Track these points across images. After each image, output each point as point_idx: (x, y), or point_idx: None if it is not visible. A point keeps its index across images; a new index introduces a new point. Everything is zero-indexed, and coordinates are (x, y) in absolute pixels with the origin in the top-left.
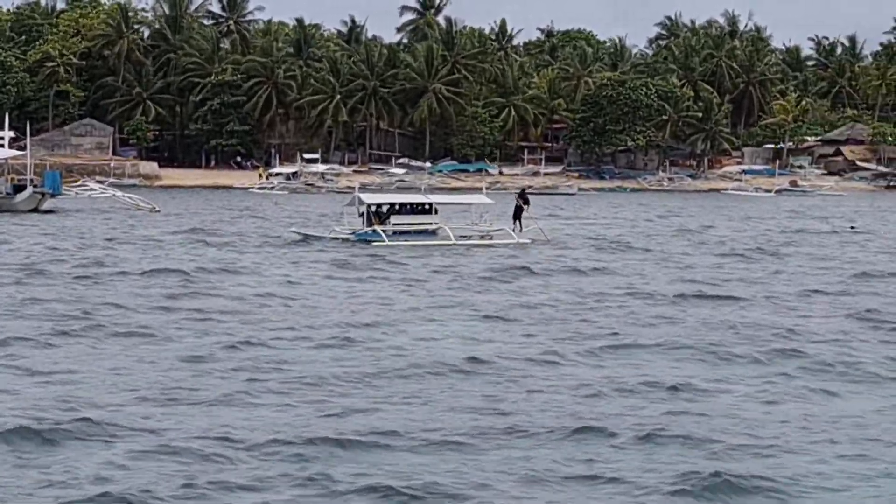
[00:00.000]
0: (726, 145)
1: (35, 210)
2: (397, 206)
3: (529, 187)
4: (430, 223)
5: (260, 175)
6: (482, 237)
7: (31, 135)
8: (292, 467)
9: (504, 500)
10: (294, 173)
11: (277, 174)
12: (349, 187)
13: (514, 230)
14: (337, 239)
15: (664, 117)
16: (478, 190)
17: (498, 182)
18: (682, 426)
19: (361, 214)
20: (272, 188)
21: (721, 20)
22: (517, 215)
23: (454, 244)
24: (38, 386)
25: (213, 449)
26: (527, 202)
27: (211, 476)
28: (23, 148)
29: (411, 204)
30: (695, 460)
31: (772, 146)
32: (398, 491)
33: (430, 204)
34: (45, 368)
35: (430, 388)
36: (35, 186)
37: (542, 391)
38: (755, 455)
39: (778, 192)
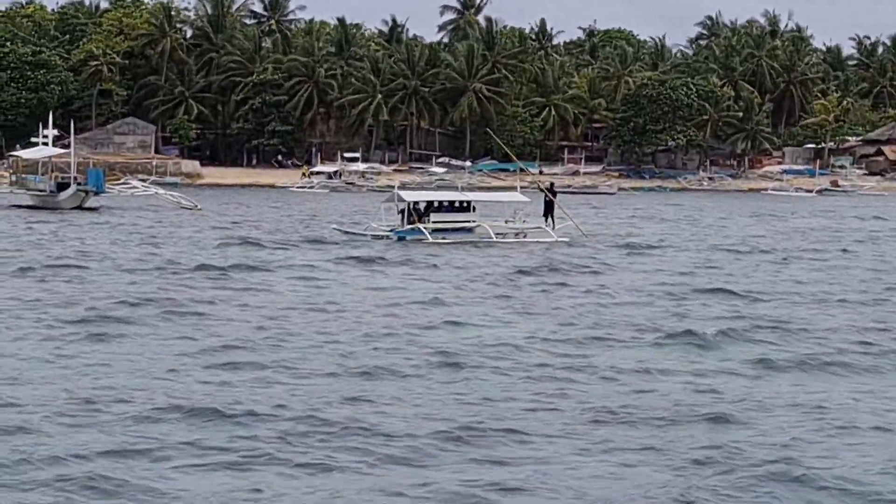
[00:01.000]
0: (767, 145)
1: (79, 207)
2: (436, 204)
3: (568, 186)
4: (469, 221)
5: (303, 174)
6: (517, 235)
7: (75, 133)
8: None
9: None
10: (336, 172)
11: (319, 173)
12: (389, 186)
13: (547, 227)
14: (377, 236)
15: (704, 117)
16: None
17: (540, 180)
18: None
19: (401, 212)
20: (312, 187)
21: (761, 20)
22: (548, 211)
23: (495, 241)
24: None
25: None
26: (554, 195)
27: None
28: (67, 146)
29: (450, 201)
30: None
31: (813, 146)
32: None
33: (469, 202)
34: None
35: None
36: (79, 184)
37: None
38: None
39: (819, 192)
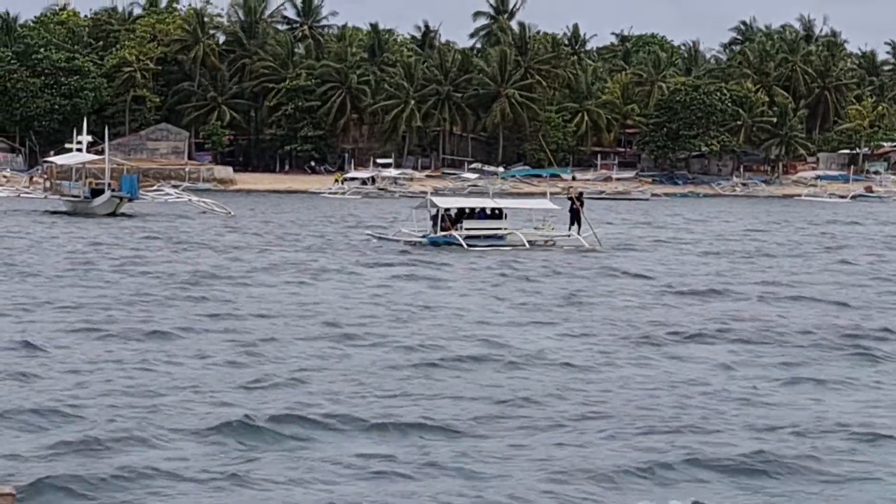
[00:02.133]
0: (801, 150)
1: (113, 214)
2: (467, 211)
3: (601, 192)
4: (500, 228)
5: (336, 179)
6: (546, 242)
7: (109, 139)
8: None
9: None
10: (371, 178)
11: (352, 179)
12: (422, 192)
13: (578, 234)
14: (409, 242)
15: (738, 122)
16: (552, 196)
17: (571, 187)
18: None
19: (433, 218)
20: (344, 193)
21: (796, 24)
22: (575, 219)
23: (528, 248)
24: None
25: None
26: (582, 204)
27: None
28: (100, 152)
29: (482, 208)
30: None
31: (847, 152)
32: None
33: (500, 209)
34: None
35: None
36: (113, 190)
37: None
38: None
39: (853, 197)
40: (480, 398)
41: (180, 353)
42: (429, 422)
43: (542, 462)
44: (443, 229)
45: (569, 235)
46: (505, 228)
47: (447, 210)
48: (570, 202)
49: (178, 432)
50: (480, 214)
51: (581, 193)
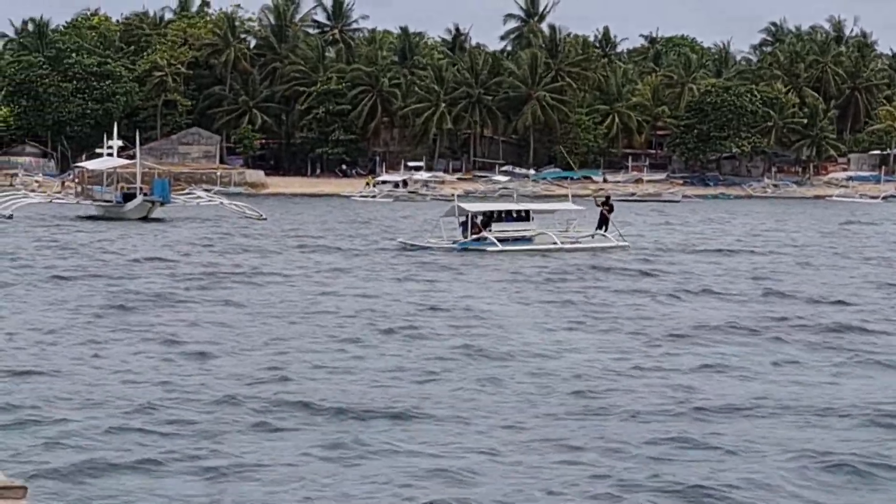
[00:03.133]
0: (832, 152)
1: (145, 218)
2: (495, 215)
3: (632, 194)
4: (528, 230)
5: (367, 183)
6: (571, 243)
7: (140, 143)
8: None
9: None
10: (403, 181)
11: (384, 182)
12: (453, 195)
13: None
14: (441, 249)
15: (769, 124)
16: (580, 198)
17: (602, 189)
18: None
19: (462, 224)
20: (374, 196)
21: (826, 26)
22: (602, 224)
23: (561, 249)
24: None
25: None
26: (611, 209)
27: None
28: (132, 157)
29: (508, 211)
30: None
31: (878, 152)
32: None
33: (527, 211)
34: None
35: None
36: (145, 195)
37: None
38: None
39: (884, 198)
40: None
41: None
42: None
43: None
44: (473, 234)
45: (592, 236)
46: (533, 230)
47: (477, 214)
48: (599, 207)
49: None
50: (508, 217)
51: (608, 198)
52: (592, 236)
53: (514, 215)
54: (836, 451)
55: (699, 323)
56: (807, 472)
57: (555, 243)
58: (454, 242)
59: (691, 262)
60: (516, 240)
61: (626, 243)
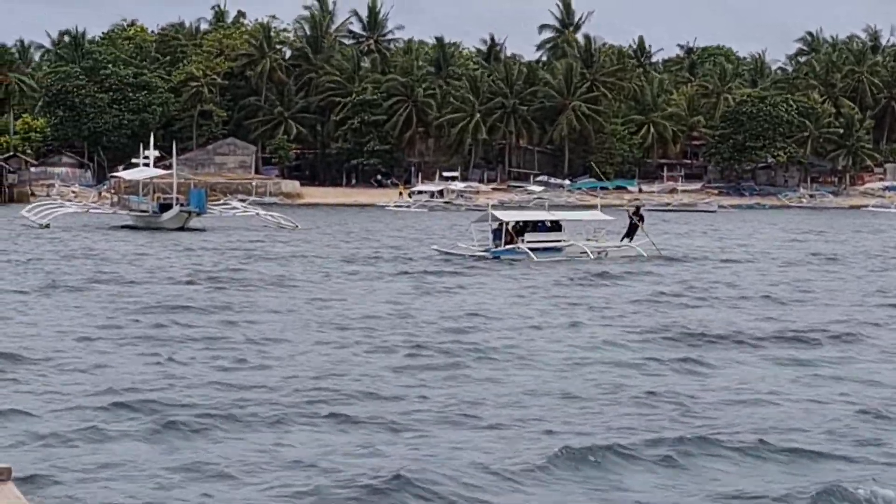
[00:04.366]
0: (868, 161)
1: (181, 228)
2: (529, 224)
3: (667, 204)
4: (559, 240)
5: (400, 193)
6: (599, 253)
7: (176, 154)
8: None
9: None
10: (440, 191)
11: (421, 192)
12: (488, 205)
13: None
14: (473, 256)
15: (805, 133)
16: (614, 208)
17: (637, 199)
18: None
19: (494, 232)
20: (409, 206)
21: (862, 35)
22: (630, 233)
23: (590, 259)
24: None
25: None
26: (641, 219)
27: None
28: (168, 167)
29: (541, 221)
30: None
31: None
32: None
33: (558, 221)
34: None
35: None
36: (181, 205)
37: None
38: None
39: None
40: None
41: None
42: None
43: None
44: (507, 242)
45: (619, 246)
46: (564, 241)
47: (510, 223)
48: (629, 218)
49: None
50: (540, 227)
51: (639, 208)
52: (619, 246)
53: (547, 225)
54: None
55: (740, 329)
56: None
57: (584, 253)
58: (486, 250)
59: (728, 272)
60: (546, 249)
61: (659, 252)
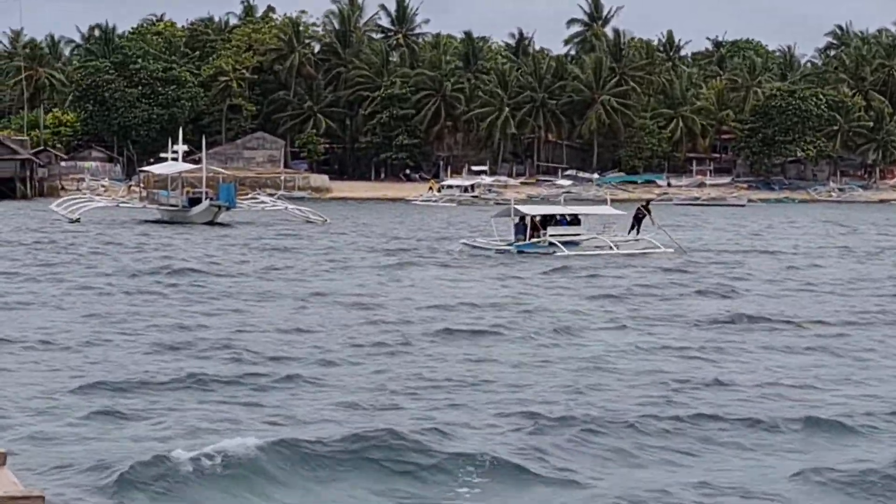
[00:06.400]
0: None
1: (211, 223)
2: (550, 218)
3: (696, 198)
4: (578, 234)
5: (430, 188)
6: (611, 247)
7: (205, 148)
8: None
9: None
10: (471, 186)
11: (451, 187)
12: (517, 199)
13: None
14: (499, 250)
15: (834, 127)
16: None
17: (666, 193)
18: None
19: (516, 226)
20: (437, 201)
21: (893, 29)
22: (636, 225)
23: (617, 254)
24: None
25: None
26: (649, 212)
27: None
28: (197, 161)
29: (561, 215)
30: None
31: None
32: None
33: (576, 215)
34: None
35: None
36: (211, 199)
37: None
38: None
39: None
40: None
41: None
42: None
43: None
44: (531, 237)
45: (635, 240)
46: (583, 234)
47: (533, 217)
48: (637, 210)
49: None
50: (561, 221)
51: (649, 201)
52: (635, 240)
53: (568, 219)
54: None
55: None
56: None
57: (602, 246)
58: (510, 244)
59: (752, 264)
60: (566, 244)
61: (677, 245)
